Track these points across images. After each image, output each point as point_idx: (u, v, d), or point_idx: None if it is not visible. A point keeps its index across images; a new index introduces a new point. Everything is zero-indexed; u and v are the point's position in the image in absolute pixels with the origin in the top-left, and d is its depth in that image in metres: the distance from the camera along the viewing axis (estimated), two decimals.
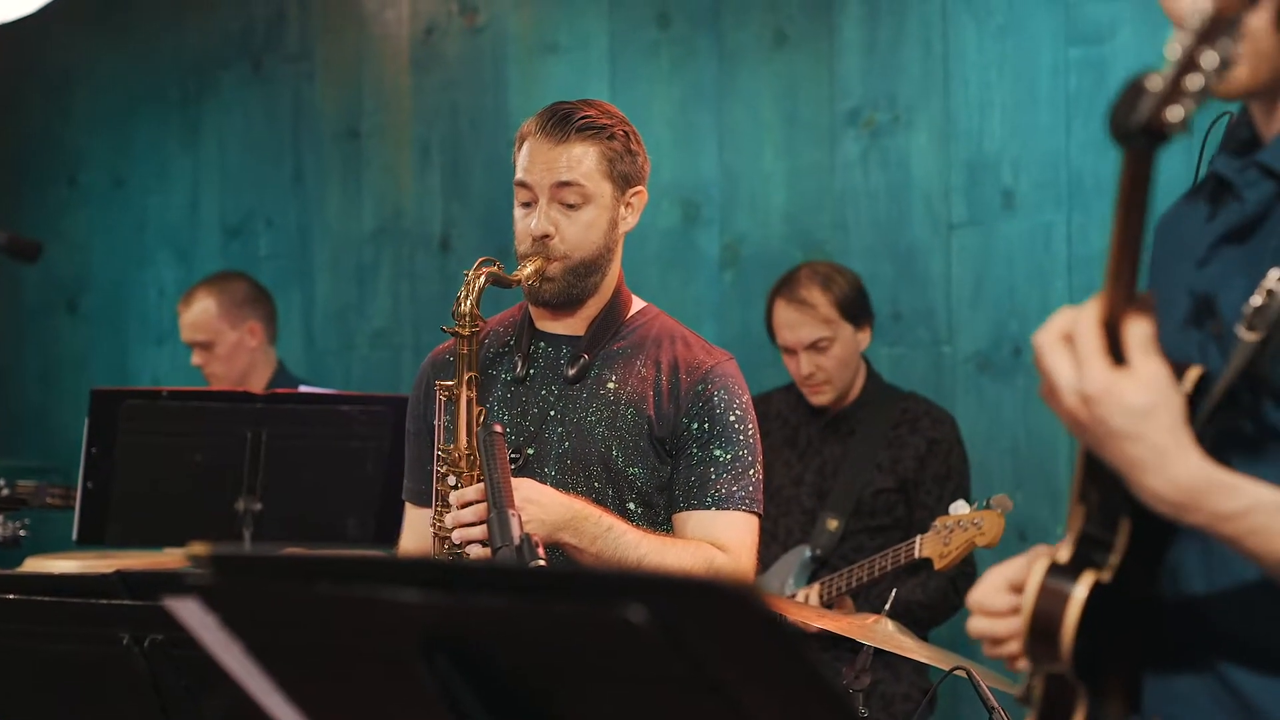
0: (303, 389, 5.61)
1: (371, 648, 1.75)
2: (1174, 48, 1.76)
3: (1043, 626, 1.94)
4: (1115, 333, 1.86)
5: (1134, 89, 1.76)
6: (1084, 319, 1.87)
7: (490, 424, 3.16)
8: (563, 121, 3.35)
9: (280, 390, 5.39)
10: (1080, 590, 1.93)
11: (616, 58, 6.41)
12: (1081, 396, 1.86)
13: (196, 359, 5.97)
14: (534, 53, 6.62)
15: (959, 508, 4.49)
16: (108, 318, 7.63)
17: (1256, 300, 1.90)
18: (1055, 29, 5.58)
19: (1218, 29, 1.76)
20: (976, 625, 2.08)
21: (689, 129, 6.24)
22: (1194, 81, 1.74)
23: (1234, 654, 2.01)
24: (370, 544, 4.92)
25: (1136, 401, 1.85)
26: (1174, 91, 1.74)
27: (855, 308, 5.02)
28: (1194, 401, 1.94)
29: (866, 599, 4.84)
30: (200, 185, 7.41)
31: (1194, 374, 1.95)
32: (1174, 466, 1.86)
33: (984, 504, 4.46)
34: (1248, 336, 1.91)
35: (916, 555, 4.51)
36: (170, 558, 5.22)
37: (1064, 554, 1.97)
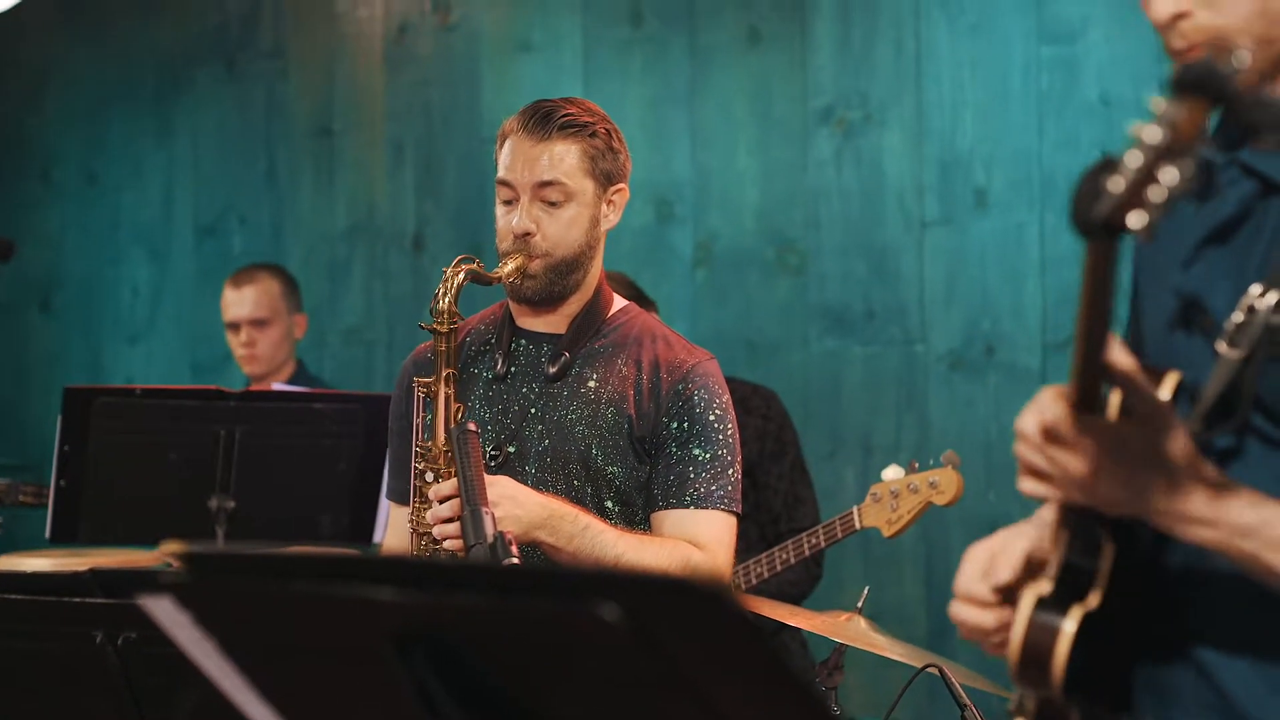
0: (275, 387, 5.60)
1: (346, 646, 1.75)
2: (1135, 154, 1.71)
3: (1033, 659, 1.95)
4: (1092, 399, 1.85)
5: (1094, 182, 1.71)
6: (1051, 409, 1.87)
7: (465, 422, 3.16)
8: (545, 119, 3.35)
9: (253, 389, 5.38)
10: (1069, 625, 1.94)
11: (589, 56, 6.41)
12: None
13: (244, 336, 5.84)
14: (507, 51, 6.62)
15: (893, 472, 4.37)
16: (80, 315, 7.60)
17: (1238, 317, 1.90)
18: (1027, 28, 5.60)
19: (1175, 153, 1.71)
20: (964, 614, 2.08)
21: (662, 127, 6.25)
22: (1156, 194, 1.70)
23: (1213, 644, 2.02)
24: (343, 541, 4.91)
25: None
26: (1136, 199, 1.70)
27: None
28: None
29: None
30: (174, 182, 7.39)
31: (1172, 380, 1.96)
32: (1192, 488, 1.87)
33: (936, 463, 4.31)
34: (1230, 354, 1.91)
35: (858, 526, 4.40)
36: (143, 556, 5.21)
37: (1047, 585, 1.97)
